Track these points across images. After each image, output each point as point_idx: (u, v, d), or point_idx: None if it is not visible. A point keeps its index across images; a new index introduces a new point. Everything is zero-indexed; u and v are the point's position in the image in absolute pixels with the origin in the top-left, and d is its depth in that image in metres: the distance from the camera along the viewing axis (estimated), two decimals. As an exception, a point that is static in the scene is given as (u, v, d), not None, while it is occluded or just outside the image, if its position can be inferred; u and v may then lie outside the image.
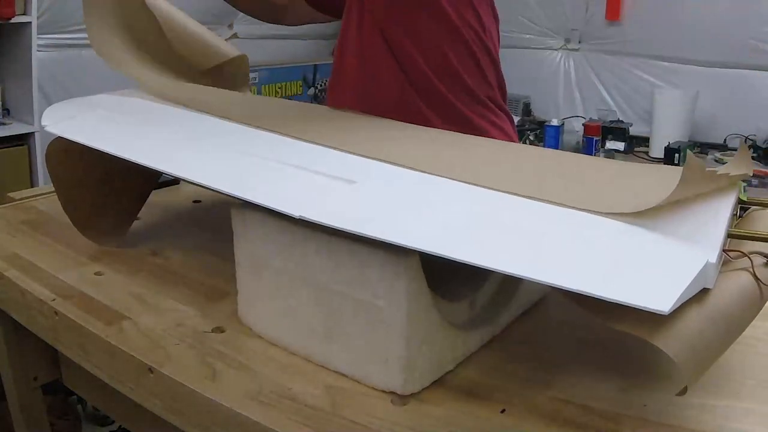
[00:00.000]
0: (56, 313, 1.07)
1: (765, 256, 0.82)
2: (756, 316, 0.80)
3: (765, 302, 0.81)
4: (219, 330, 1.00)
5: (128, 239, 1.32)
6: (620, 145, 3.73)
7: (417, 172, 0.94)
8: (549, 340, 0.97)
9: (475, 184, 0.88)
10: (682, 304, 0.67)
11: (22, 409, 1.42)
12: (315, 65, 4.30)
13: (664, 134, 3.55)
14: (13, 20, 2.84)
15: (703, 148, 3.65)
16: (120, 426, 1.87)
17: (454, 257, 0.71)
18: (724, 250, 0.78)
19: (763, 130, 3.62)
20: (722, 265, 0.77)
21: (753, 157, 3.52)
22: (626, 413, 0.80)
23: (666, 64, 3.94)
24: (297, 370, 0.90)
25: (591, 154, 3.56)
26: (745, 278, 0.78)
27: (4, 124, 3.02)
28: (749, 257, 0.80)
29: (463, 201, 0.86)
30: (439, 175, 0.92)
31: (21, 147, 3.07)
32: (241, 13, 4.08)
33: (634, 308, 0.64)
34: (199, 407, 0.86)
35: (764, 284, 0.79)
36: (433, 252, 0.72)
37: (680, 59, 3.91)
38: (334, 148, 1.03)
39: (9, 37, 3.01)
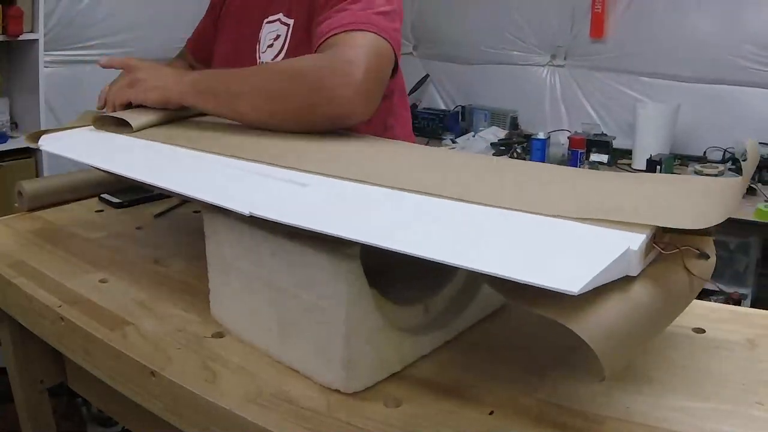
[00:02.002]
0: (62, 318, 1.07)
1: (698, 250, 0.82)
2: (684, 309, 0.81)
3: (695, 295, 0.81)
4: (218, 335, 1.00)
5: (131, 248, 1.32)
6: (604, 158, 3.73)
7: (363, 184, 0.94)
8: (535, 344, 0.97)
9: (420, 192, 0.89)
10: (605, 291, 0.68)
11: (28, 410, 1.42)
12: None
13: (646, 147, 3.55)
14: (21, 37, 2.84)
15: (684, 160, 3.65)
16: (123, 427, 1.86)
17: (384, 246, 0.72)
18: (655, 243, 0.78)
19: (741, 143, 3.63)
20: (656, 257, 0.77)
21: (731, 170, 3.53)
22: (610, 415, 0.80)
23: (648, 79, 3.95)
24: (294, 373, 0.90)
25: (576, 167, 3.56)
26: (675, 270, 0.78)
27: (12, 137, 3.02)
28: (681, 250, 0.79)
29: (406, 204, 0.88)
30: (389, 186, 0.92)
31: (28, 159, 3.07)
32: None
33: (561, 295, 0.64)
34: (199, 409, 0.86)
35: (695, 276, 0.79)
36: (368, 243, 0.74)
37: (661, 75, 3.91)
38: (291, 168, 1.03)
39: (17, 54, 3.01)
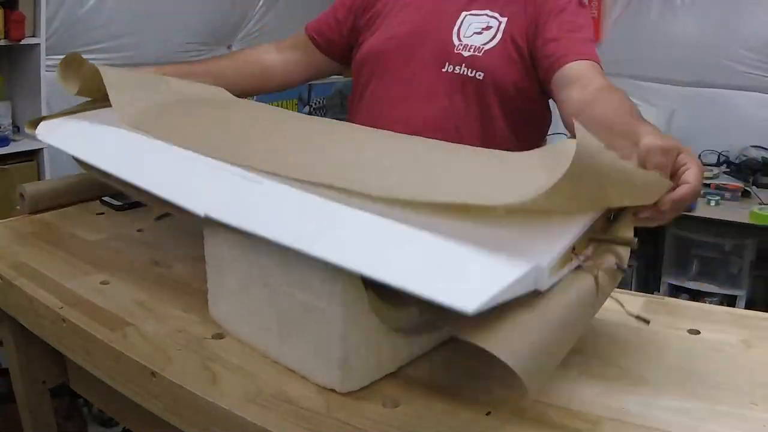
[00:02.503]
0: (63, 319, 1.07)
1: (618, 258, 0.81)
2: (592, 318, 0.82)
3: (601, 305, 0.82)
4: (218, 336, 0.99)
5: (132, 250, 1.32)
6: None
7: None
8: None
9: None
10: (516, 307, 0.68)
11: (30, 411, 1.42)
12: (310, 84, 4.30)
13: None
14: (23, 42, 2.83)
15: (678, 163, 3.66)
16: (124, 428, 1.87)
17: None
18: (575, 253, 0.77)
19: (735, 146, 3.64)
20: (575, 268, 0.77)
21: (725, 172, 3.54)
22: (606, 416, 0.80)
23: (643, 83, 3.95)
24: (293, 374, 0.90)
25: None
26: (586, 282, 0.77)
27: (14, 140, 3.01)
28: (595, 263, 0.79)
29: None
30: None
31: (30, 163, 3.06)
32: (241, 35, 4.13)
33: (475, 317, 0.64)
34: (199, 409, 0.86)
35: (602, 291, 0.79)
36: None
37: (657, 79, 3.92)
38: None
39: (19, 58, 3.01)
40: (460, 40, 1.58)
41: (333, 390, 0.85)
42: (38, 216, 1.52)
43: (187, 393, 0.87)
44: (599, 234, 0.83)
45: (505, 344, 0.67)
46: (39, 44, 2.91)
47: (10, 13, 2.76)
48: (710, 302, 2.98)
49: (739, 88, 3.67)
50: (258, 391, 0.86)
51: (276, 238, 0.81)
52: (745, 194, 3.13)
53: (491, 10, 1.59)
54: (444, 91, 1.58)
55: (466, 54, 1.57)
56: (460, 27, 1.60)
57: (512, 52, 1.56)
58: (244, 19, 4.11)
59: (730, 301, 3.13)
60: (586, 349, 0.94)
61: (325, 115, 4.43)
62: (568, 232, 0.77)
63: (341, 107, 4.53)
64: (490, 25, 1.58)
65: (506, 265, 0.69)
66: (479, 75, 1.56)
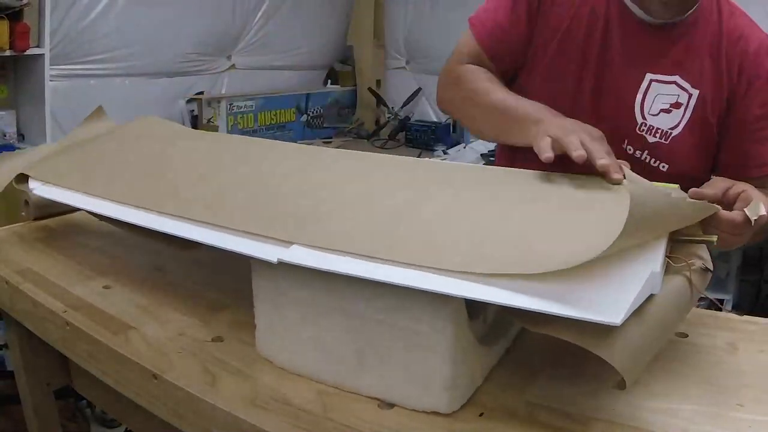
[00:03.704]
0: (67, 323, 1.07)
1: (702, 260, 0.83)
2: (686, 316, 0.83)
3: (695, 304, 0.83)
4: (218, 339, 1.00)
5: (134, 256, 1.32)
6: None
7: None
8: (523, 349, 0.97)
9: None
10: None
11: (35, 412, 1.42)
12: (307, 94, 4.30)
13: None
14: (27, 52, 2.83)
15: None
16: (126, 429, 1.86)
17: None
18: (667, 256, 0.78)
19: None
20: (665, 269, 0.78)
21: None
22: (597, 416, 0.80)
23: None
24: (291, 376, 0.90)
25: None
26: (681, 282, 0.78)
27: (18, 148, 3.01)
28: (687, 263, 0.80)
29: None
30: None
31: (35, 170, 3.07)
32: (241, 45, 4.12)
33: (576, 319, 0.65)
34: (199, 411, 0.86)
35: (697, 289, 0.80)
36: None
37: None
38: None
39: (24, 68, 3.01)
40: (644, 117, 1.32)
41: (435, 413, 0.81)
42: (43, 222, 1.52)
43: (187, 395, 0.87)
44: (683, 236, 0.84)
45: (606, 345, 0.68)
46: (43, 54, 2.91)
47: (15, 25, 2.76)
48: (698, 306, 2.97)
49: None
50: (256, 393, 0.86)
51: (386, 279, 0.77)
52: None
53: (682, 77, 1.30)
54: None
55: (650, 139, 1.32)
56: (644, 98, 1.31)
57: (700, 137, 1.31)
58: (243, 30, 4.11)
59: (716, 306, 3.12)
60: (577, 352, 0.94)
61: (322, 124, 4.43)
62: (659, 243, 0.80)
63: (338, 117, 4.54)
64: (680, 101, 1.29)
65: (629, 276, 0.71)
66: (663, 167, 1.32)
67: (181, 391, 0.89)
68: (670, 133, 1.30)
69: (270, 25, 4.23)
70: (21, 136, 3.07)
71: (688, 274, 0.79)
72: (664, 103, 1.30)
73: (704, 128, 1.29)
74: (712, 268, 0.84)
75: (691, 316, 1.07)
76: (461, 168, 1.11)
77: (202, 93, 3.87)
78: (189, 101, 3.83)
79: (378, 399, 0.84)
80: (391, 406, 0.83)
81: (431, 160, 1.15)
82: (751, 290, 3.39)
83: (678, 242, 0.86)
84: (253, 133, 3.95)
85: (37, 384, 1.41)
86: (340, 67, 4.89)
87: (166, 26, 3.60)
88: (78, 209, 1.14)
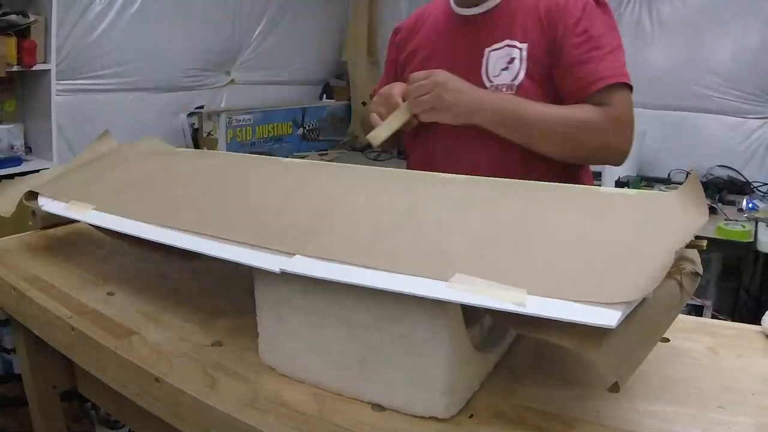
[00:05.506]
0: (73, 328, 1.07)
1: (693, 263, 0.83)
2: (675, 319, 0.82)
3: (683, 306, 0.82)
4: (218, 344, 0.99)
5: (137, 263, 1.32)
6: (575, 179, 3.76)
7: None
8: (510, 352, 0.97)
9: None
10: None
11: (42, 414, 1.42)
12: (304, 108, 4.32)
13: (614, 169, 3.57)
14: (34, 68, 2.84)
15: (650, 181, 3.67)
16: (129, 430, 1.86)
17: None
18: None
19: (702, 165, 3.65)
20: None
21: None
22: (582, 418, 0.80)
23: (616, 107, 3.97)
24: (288, 379, 0.90)
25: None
26: (672, 285, 0.78)
27: (26, 160, 3.01)
28: (678, 267, 0.80)
29: None
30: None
31: (41, 181, 3.07)
32: (239, 62, 4.13)
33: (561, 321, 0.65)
34: (200, 413, 0.86)
35: (687, 293, 0.80)
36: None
37: (629, 103, 3.94)
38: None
39: (31, 83, 3.01)
40: (490, 81, 1.52)
41: (434, 418, 0.81)
42: (49, 231, 1.52)
43: (188, 397, 0.87)
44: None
45: (600, 348, 0.67)
46: (50, 70, 2.92)
47: (23, 41, 2.77)
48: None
49: (706, 111, 3.68)
50: (254, 395, 0.86)
51: (387, 287, 0.76)
52: (712, 211, 3.13)
53: (510, 38, 1.52)
54: (488, 133, 1.48)
55: None
56: (487, 67, 1.53)
57: (542, 76, 1.49)
58: (242, 47, 4.12)
59: (697, 311, 3.14)
60: (564, 356, 0.94)
61: (317, 137, 4.43)
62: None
63: (333, 130, 4.54)
64: (512, 56, 1.50)
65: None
66: None
67: (182, 394, 0.88)
68: (514, 84, 1.50)
69: (268, 42, 4.25)
70: (28, 149, 3.08)
71: (679, 277, 0.79)
72: (502, 63, 1.52)
73: (541, 69, 1.49)
74: (701, 272, 0.84)
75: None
76: (453, 179, 1.11)
77: (202, 107, 3.88)
78: (190, 115, 3.84)
79: (378, 405, 0.84)
80: (384, 408, 0.83)
81: (426, 172, 1.13)
82: (730, 297, 3.40)
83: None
84: (251, 145, 3.96)
85: (44, 387, 1.41)
86: (335, 82, 4.90)
87: (168, 43, 3.61)
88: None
